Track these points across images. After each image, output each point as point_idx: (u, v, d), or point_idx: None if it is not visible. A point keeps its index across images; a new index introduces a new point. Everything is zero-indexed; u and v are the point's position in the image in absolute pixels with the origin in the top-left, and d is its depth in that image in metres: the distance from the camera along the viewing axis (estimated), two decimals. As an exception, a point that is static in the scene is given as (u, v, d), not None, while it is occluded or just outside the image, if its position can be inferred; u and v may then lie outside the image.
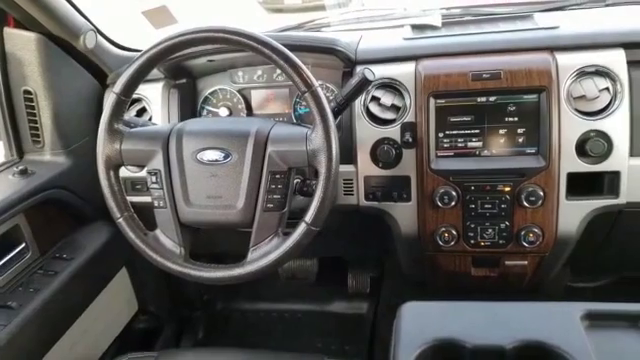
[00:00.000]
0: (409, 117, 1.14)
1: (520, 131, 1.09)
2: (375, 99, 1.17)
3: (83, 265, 1.27)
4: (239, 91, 1.36)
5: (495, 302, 0.91)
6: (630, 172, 1.07)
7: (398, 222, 1.20)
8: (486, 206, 1.13)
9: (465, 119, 1.11)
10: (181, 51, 1.00)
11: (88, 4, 1.29)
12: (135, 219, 1.03)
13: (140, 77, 1.00)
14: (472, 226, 1.15)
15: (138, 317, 1.62)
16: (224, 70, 1.36)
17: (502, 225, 1.13)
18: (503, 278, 1.23)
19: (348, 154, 1.18)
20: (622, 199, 1.08)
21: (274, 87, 1.34)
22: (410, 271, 1.41)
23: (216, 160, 1.00)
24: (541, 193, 1.08)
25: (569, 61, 1.07)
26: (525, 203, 1.09)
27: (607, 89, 1.07)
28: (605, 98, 1.07)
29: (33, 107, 1.25)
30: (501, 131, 1.10)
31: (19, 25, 1.20)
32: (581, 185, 1.09)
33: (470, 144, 1.12)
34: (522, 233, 1.12)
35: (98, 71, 1.37)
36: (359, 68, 1.05)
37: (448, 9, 1.44)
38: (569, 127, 1.07)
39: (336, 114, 1.03)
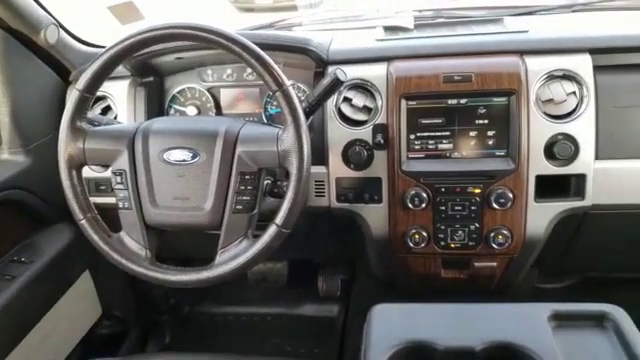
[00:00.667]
0: (381, 118, 1.14)
1: (490, 133, 1.10)
2: (347, 100, 1.16)
3: (43, 269, 1.22)
4: (208, 90, 1.33)
5: (465, 304, 0.92)
6: (595, 175, 1.09)
7: (369, 224, 1.19)
8: (456, 208, 1.13)
9: (436, 121, 1.12)
10: (148, 48, 0.98)
11: (50, -3, 1.24)
12: (99, 220, 1.00)
13: (105, 74, 0.97)
14: (442, 228, 1.15)
15: (102, 322, 1.57)
16: (193, 68, 1.33)
17: (472, 227, 1.14)
18: (472, 279, 1.24)
19: (320, 155, 1.17)
20: (588, 201, 1.11)
21: (244, 86, 1.32)
22: (381, 273, 1.40)
23: (183, 160, 0.98)
24: (510, 195, 1.09)
25: (538, 65, 1.09)
26: (494, 205, 1.10)
27: (574, 93, 1.09)
28: (572, 102, 1.09)
29: None
30: (471, 133, 1.11)
31: (-24, 19, 1.15)
32: (549, 187, 1.11)
33: (441, 146, 1.13)
34: (491, 235, 1.13)
35: (60, 67, 1.32)
36: (331, 68, 1.04)
37: (420, 11, 1.45)
38: (538, 130, 1.08)
39: (308, 114, 1.02)
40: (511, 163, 1.09)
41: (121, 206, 1.00)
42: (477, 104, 1.10)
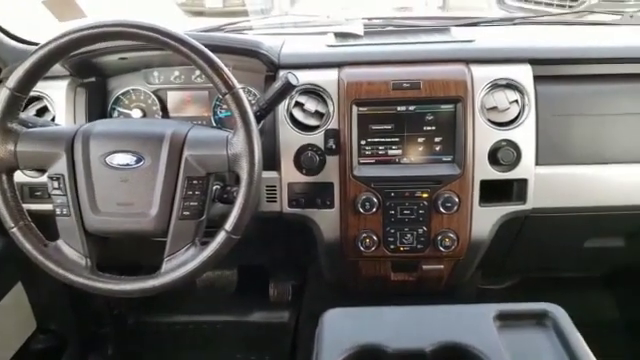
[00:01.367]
0: (332, 124, 1.14)
1: (437, 140, 1.13)
2: (299, 105, 1.15)
3: None
4: (154, 92, 1.29)
5: (415, 306, 0.93)
6: (536, 180, 1.14)
7: (321, 228, 1.19)
8: (405, 212, 1.15)
9: (386, 127, 1.13)
10: (88, 46, 0.94)
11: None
12: (33, 229, 0.94)
13: (39, 72, 0.92)
14: (392, 231, 1.16)
15: (36, 336, 1.48)
16: (138, 69, 1.29)
17: (420, 230, 1.16)
18: (421, 282, 1.26)
19: (271, 160, 1.15)
20: (529, 205, 1.15)
21: (192, 89, 1.29)
22: (332, 277, 1.41)
23: (127, 164, 0.94)
24: (456, 199, 1.12)
25: (483, 73, 1.13)
26: (441, 209, 1.13)
27: (516, 101, 1.13)
28: (515, 110, 1.13)
29: None
30: (419, 139, 1.13)
31: None
32: (493, 192, 1.15)
33: (390, 152, 1.14)
34: (439, 238, 1.16)
35: (-10, 65, 1.24)
36: (282, 72, 1.03)
37: (370, 19, 1.47)
38: (482, 136, 1.12)
39: (259, 118, 1.00)
40: (457, 168, 1.12)
41: (59, 212, 0.95)
42: (425, 111, 1.12)
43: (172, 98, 1.30)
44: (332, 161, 1.14)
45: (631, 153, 1.15)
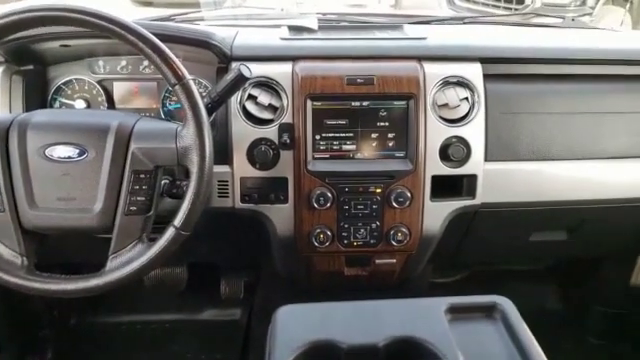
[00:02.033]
0: (287, 118, 1.12)
1: (390, 136, 1.14)
2: (252, 98, 1.13)
3: None
4: (99, 82, 1.24)
5: (368, 301, 0.94)
6: (485, 175, 1.17)
7: (275, 224, 1.18)
8: (359, 207, 1.16)
9: (340, 122, 1.13)
10: (25, 30, 0.88)
11: None
12: None
13: None
14: (346, 226, 1.17)
15: None
16: (82, 58, 1.23)
17: (373, 225, 1.17)
18: (374, 276, 1.27)
19: (223, 154, 1.12)
20: (478, 200, 1.18)
21: (140, 79, 1.24)
22: (285, 273, 1.39)
23: (69, 157, 0.89)
24: (408, 194, 1.14)
25: (435, 71, 1.14)
26: (394, 204, 1.14)
27: (467, 99, 1.16)
28: (465, 107, 1.16)
29: None
30: (373, 135, 1.14)
31: None
32: (443, 187, 1.17)
33: (345, 147, 1.14)
34: (391, 232, 1.17)
35: None
36: (235, 64, 1.01)
37: (324, 14, 1.46)
38: (434, 133, 1.14)
39: (210, 111, 0.98)
40: (409, 164, 1.14)
41: (-8, 208, 0.88)
42: (378, 107, 1.13)
43: (118, 89, 1.25)
44: (286, 156, 1.13)
45: (573, 150, 1.20)
